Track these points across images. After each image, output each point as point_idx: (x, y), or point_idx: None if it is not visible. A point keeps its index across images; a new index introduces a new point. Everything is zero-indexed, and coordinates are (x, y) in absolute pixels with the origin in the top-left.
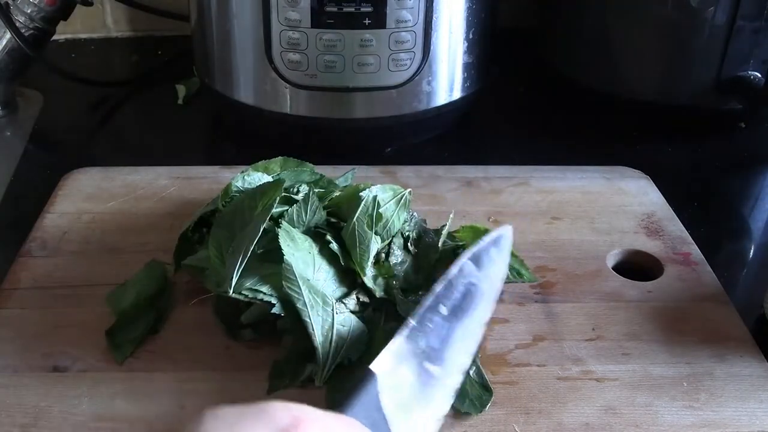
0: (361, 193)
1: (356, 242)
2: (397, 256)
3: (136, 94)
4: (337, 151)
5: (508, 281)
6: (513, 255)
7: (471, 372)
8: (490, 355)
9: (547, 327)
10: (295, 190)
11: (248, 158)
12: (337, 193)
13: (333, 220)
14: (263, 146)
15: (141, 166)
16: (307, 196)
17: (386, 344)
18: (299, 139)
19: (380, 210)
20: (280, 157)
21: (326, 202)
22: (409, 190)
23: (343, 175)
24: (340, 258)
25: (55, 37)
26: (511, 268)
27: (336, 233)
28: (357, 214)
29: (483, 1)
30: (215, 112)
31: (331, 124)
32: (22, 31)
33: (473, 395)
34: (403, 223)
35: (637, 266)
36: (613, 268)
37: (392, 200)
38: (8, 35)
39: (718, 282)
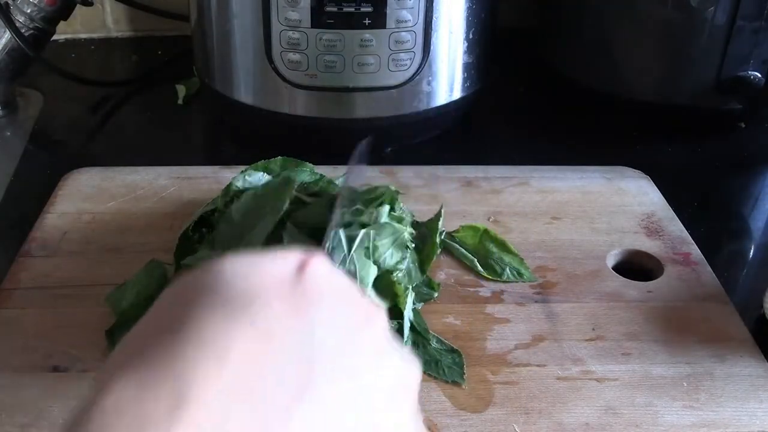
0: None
1: (358, 270)
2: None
3: (136, 94)
4: (337, 151)
5: (508, 281)
6: (514, 254)
7: (433, 342)
8: (490, 355)
9: (547, 327)
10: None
11: (248, 158)
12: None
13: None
14: (263, 146)
15: (141, 166)
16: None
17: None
18: (299, 139)
19: (376, 243)
20: (279, 157)
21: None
22: (409, 230)
23: (342, 175)
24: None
25: (55, 37)
26: (511, 268)
27: None
28: (355, 246)
29: (483, 1)
30: (215, 112)
31: (331, 124)
32: (22, 31)
33: (446, 363)
34: (396, 263)
35: (637, 266)
36: (613, 268)
37: (389, 238)
38: (8, 35)
39: (718, 282)
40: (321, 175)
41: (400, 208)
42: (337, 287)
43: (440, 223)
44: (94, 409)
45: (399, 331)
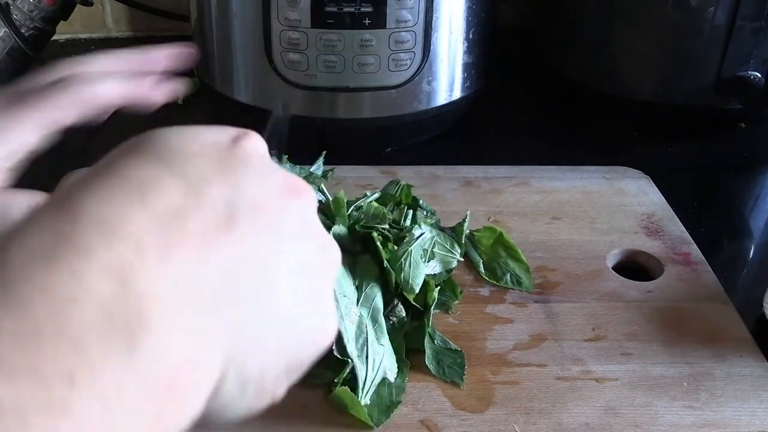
0: (414, 232)
1: (410, 269)
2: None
3: None
4: (337, 151)
5: (507, 286)
6: (519, 261)
7: (436, 341)
8: (490, 355)
9: (547, 327)
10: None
11: None
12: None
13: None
14: None
15: None
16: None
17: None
18: (299, 138)
19: (433, 250)
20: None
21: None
22: (459, 259)
23: (315, 164)
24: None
25: (55, 37)
26: (513, 275)
27: (363, 245)
28: (413, 246)
29: (483, 1)
30: (215, 112)
31: (331, 124)
32: (22, 31)
33: (447, 362)
34: (435, 275)
35: (637, 266)
36: (613, 268)
37: (443, 252)
38: (8, 35)
39: (718, 282)
40: (308, 170)
41: (425, 207)
42: (268, 161)
43: (465, 226)
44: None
45: (421, 328)
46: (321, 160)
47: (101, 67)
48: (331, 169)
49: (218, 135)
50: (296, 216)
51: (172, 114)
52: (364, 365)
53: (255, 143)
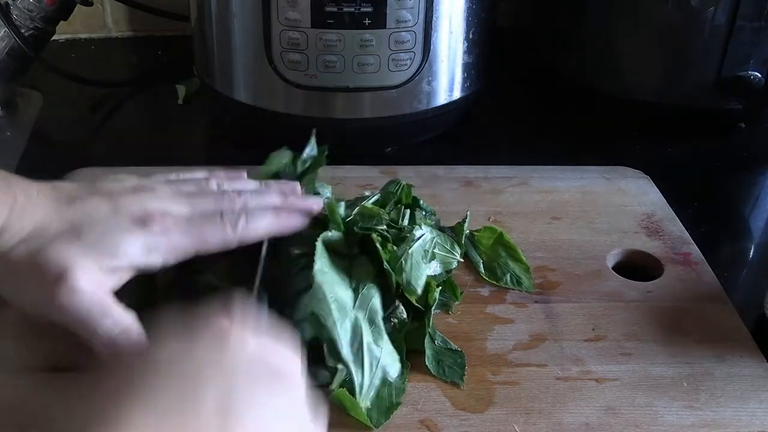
0: (414, 232)
1: (411, 270)
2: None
3: (136, 94)
4: (337, 151)
5: (507, 286)
6: (520, 261)
7: (436, 341)
8: (490, 355)
9: (547, 327)
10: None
11: (248, 158)
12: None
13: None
14: (263, 146)
15: (141, 166)
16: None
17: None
18: (299, 139)
19: (434, 251)
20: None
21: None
22: (459, 260)
23: (308, 146)
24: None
25: (55, 37)
26: (513, 275)
27: (360, 247)
28: (414, 247)
29: (483, 1)
30: (215, 112)
31: (331, 124)
32: (22, 31)
33: (448, 363)
34: (436, 276)
35: (637, 266)
36: (613, 268)
37: (444, 253)
38: (8, 35)
39: (718, 282)
40: (298, 154)
41: (426, 208)
42: (256, 351)
43: (465, 226)
44: None
45: (421, 328)
46: (313, 139)
47: (253, 197)
48: (326, 149)
49: (209, 341)
50: (282, 406)
51: (173, 114)
52: (360, 368)
53: (241, 336)
